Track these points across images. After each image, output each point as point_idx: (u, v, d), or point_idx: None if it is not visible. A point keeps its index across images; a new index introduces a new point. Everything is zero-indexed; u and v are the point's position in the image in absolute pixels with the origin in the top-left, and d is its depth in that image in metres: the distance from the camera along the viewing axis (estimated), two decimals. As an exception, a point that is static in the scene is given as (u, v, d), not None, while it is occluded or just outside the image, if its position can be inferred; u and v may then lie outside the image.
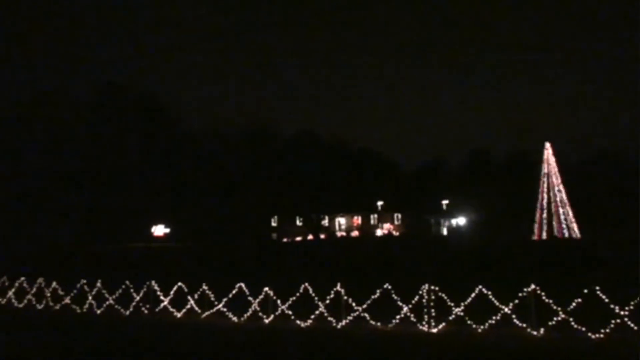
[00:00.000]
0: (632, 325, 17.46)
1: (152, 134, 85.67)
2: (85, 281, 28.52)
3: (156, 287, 26.38)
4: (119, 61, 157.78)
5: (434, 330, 19.97)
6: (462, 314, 19.79)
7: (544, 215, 67.04)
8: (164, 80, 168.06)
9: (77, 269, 36.61)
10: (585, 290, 18.15)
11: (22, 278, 30.85)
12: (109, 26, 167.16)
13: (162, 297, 26.06)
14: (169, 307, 25.68)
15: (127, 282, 27.21)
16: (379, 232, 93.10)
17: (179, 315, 25.20)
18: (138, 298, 26.65)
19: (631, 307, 17.62)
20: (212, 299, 24.67)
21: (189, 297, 25.16)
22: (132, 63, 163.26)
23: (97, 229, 75.36)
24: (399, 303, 20.73)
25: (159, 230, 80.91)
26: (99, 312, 27.37)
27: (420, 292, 20.45)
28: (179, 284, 25.59)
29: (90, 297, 28.02)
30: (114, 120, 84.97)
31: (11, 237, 67.74)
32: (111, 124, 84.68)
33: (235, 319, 23.72)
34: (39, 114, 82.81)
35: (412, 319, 20.42)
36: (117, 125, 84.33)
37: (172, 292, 25.79)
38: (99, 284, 28.02)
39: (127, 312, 26.52)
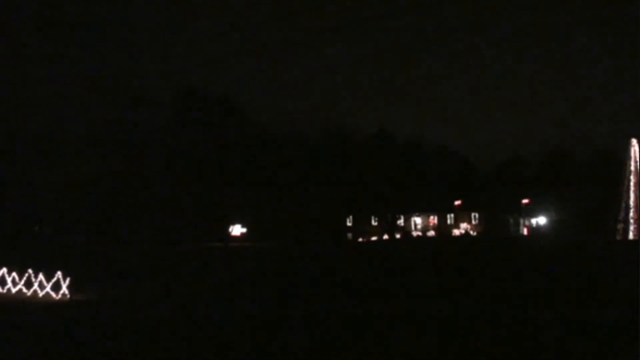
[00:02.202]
0: None
1: (230, 135, 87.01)
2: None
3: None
4: (193, 65, 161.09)
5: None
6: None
7: (631, 214, 64.39)
8: (238, 84, 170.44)
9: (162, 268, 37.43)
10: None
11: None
12: (183, 29, 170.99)
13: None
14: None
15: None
16: (455, 232, 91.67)
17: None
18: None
19: None
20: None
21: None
22: (207, 67, 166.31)
23: (178, 229, 77.20)
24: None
25: (237, 230, 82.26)
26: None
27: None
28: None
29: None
30: (194, 123, 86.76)
31: (96, 241, 70.28)
32: (191, 126, 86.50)
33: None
34: (123, 118, 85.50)
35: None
36: (197, 128, 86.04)
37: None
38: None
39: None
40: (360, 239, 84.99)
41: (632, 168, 65.39)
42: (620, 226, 65.62)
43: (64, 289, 31.18)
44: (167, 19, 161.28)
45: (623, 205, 65.50)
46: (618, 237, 65.73)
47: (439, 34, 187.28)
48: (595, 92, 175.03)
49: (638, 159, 65.85)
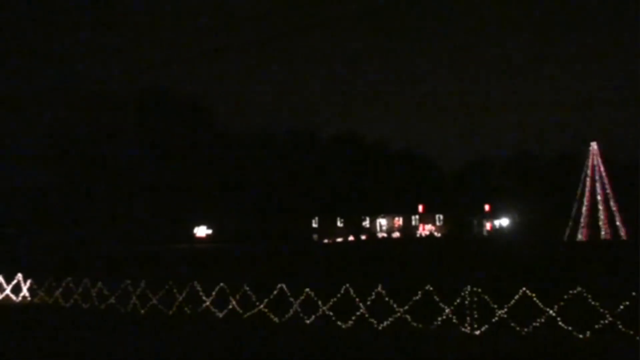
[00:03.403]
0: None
1: (194, 135, 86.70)
2: (129, 281, 28.97)
3: (198, 288, 26.64)
4: (158, 64, 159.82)
5: (477, 333, 19.74)
6: (505, 316, 19.51)
7: (596, 215, 65.74)
8: (203, 83, 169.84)
9: (122, 269, 37.21)
10: (634, 293, 17.74)
11: (69, 278, 31.47)
12: (148, 29, 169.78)
13: (204, 298, 26.31)
14: (211, 307, 25.91)
15: (170, 283, 27.55)
16: (420, 233, 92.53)
17: (220, 315, 25.41)
18: (180, 298, 26.95)
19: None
20: (254, 299, 24.79)
21: (231, 298, 25.34)
22: (173, 67, 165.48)
23: (141, 230, 76.63)
24: (441, 305, 20.55)
25: (202, 231, 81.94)
26: (142, 312, 27.77)
27: (463, 293, 20.23)
28: (221, 284, 25.80)
29: (134, 297, 28.44)
30: (157, 122, 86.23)
31: (59, 241, 69.40)
32: (155, 126, 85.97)
33: (276, 319, 23.81)
34: (83, 117, 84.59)
35: (455, 320, 20.23)
36: (161, 127, 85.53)
37: (214, 293, 26.01)
38: (142, 284, 28.43)
39: (170, 312, 26.86)
40: (325, 240, 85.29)
41: (589, 171, 66.77)
42: (570, 227, 67.05)
43: (25, 291, 30.87)
44: (134, 18, 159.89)
45: (575, 207, 66.94)
46: (577, 239, 67.08)
47: (406, 37, 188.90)
48: (559, 95, 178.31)
49: (598, 162, 67.22)
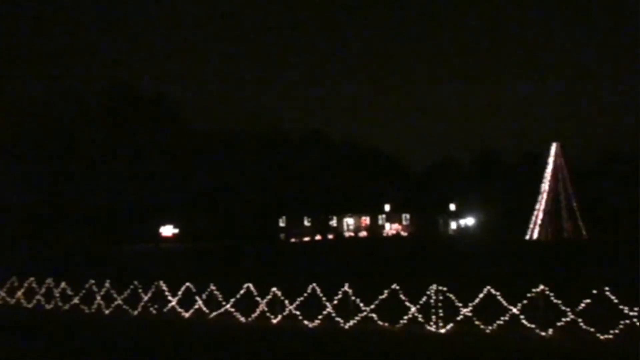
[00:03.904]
0: (641, 325, 17.36)
1: (161, 134, 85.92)
2: (93, 281, 28.59)
3: (164, 287, 26.42)
4: (125, 61, 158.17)
5: (442, 331, 19.92)
6: (470, 314, 19.73)
7: (554, 215, 66.79)
8: (170, 81, 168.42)
9: (86, 270, 36.71)
10: (595, 291, 18.06)
11: (32, 278, 30.93)
12: (114, 26, 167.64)
13: (170, 297, 26.10)
14: (177, 307, 25.71)
15: (136, 283, 27.26)
16: (387, 233, 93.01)
17: (187, 315, 25.24)
18: (146, 298, 26.71)
19: (641, 308, 17.49)
20: (220, 299, 24.68)
21: (197, 297, 25.19)
22: (140, 64, 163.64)
23: (106, 229, 75.68)
24: (407, 303, 20.70)
25: (168, 230, 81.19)
26: (107, 312, 27.45)
27: (428, 292, 20.40)
28: (187, 284, 25.62)
29: (98, 297, 28.09)
30: (122, 119, 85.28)
31: (21, 240, 68.14)
32: (119, 123, 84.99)
33: (242, 319, 23.74)
34: (47, 114, 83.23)
35: (420, 319, 20.39)
36: (126, 125, 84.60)
37: (180, 292, 25.82)
38: (107, 284, 28.09)
39: (135, 312, 26.59)
40: (292, 240, 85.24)
41: (552, 171, 67.80)
42: (541, 227, 68.07)
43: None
44: (101, 15, 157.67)
45: (540, 206, 67.98)
46: (540, 237, 68.05)
47: (374, 37, 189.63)
48: (525, 96, 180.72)
49: (560, 162, 68.29)
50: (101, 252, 54.02)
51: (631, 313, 17.53)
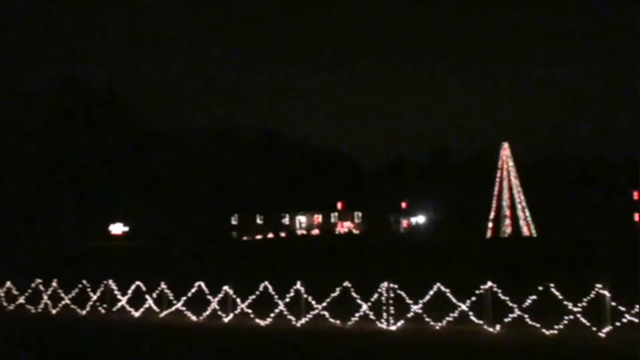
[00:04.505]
0: (584, 321, 17.84)
1: (112, 130, 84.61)
2: (40, 280, 27.95)
3: (113, 286, 26.01)
4: (79, 58, 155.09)
5: (393, 328, 20.12)
6: (420, 311, 19.98)
7: (502, 213, 68.12)
8: (123, 81, 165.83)
9: (32, 268, 35.84)
10: (540, 288, 18.50)
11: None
12: (68, 21, 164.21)
13: (119, 297, 25.71)
14: (127, 306, 25.36)
15: (84, 282, 26.78)
16: (339, 231, 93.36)
17: (136, 314, 24.91)
18: (95, 297, 26.27)
19: (584, 304, 17.99)
20: (171, 298, 24.44)
21: (147, 296, 24.89)
22: (93, 60, 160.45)
23: (54, 227, 74.07)
24: (358, 301, 20.84)
25: (117, 228, 79.86)
26: (54, 312, 26.90)
27: (380, 290, 20.58)
28: (137, 282, 25.29)
29: (45, 297, 27.49)
30: (73, 115, 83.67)
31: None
32: (70, 119, 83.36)
33: (194, 318, 23.56)
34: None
35: (371, 316, 20.56)
36: (77, 121, 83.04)
37: (129, 291, 25.46)
38: (54, 284, 27.50)
39: (84, 312, 26.13)
40: (245, 238, 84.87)
41: (502, 170, 69.17)
42: (490, 225, 69.28)
43: None
44: (51, 9, 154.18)
45: (493, 205, 69.25)
46: (490, 236, 69.28)
47: (328, 36, 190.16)
48: (476, 96, 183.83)
49: (509, 162, 69.67)
50: (48, 251, 52.78)
51: (575, 309, 18.02)
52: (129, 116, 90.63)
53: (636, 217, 75.58)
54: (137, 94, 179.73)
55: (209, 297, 23.46)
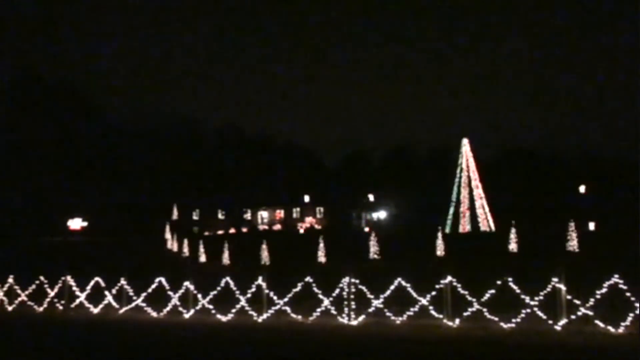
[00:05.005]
0: (541, 314, 18.20)
1: (71, 124, 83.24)
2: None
3: (72, 283, 25.63)
4: (37, 50, 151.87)
5: (354, 323, 20.24)
6: (381, 306, 20.14)
7: (461, 209, 68.87)
8: (84, 72, 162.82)
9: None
10: (498, 282, 18.80)
11: None
12: (28, 15, 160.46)
13: (78, 293, 25.35)
14: (86, 302, 25.01)
15: (41, 278, 26.33)
16: (301, 226, 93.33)
17: (95, 311, 24.60)
18: (52, 294, 25.85)
19: (541, 298, 18.35)
20: (131, 294, 24.19)
21: (107, 292, 24.59)
22: (52, 54, 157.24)
23: (10, 222, 72.59)
24: (320, 296, 20.92)
25: (76, 223, 78.60)
26: (10, 308, 26.39)
27: (341, 285, 20.68)
28: (96, 278, 24.96)
29: (1, 294, 26.96)
30: (31, 109, 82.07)
31: None
32: (28, 113, 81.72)
33: (154, 314, 23.36)
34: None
35: (333, 311, 20.65)
36: (35, 115, 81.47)
37: (88, 288, 25.12)
38: (10, 280, 26.98)
39: (41, 309, 25.70)
40: (206, 233, 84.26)
41: (464, 166, 69.92)
42: (450, 220, 70.03)
43: None
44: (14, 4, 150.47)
45: (453, 200, 70.00)
46: (450, 231, 70.00)
47: (288, 31, 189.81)
48: (437, 91, 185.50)
49: (469, 158, 70.49)
50: (4, 246, 51.74)
51: (532, 302, 18.37)
52: (90, 110, 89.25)
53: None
54: (98, 89, 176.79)
55: (170, 293, 23.29)
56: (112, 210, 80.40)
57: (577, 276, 18.58)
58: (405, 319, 19.75)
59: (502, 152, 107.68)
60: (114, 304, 24.40)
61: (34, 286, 26.36)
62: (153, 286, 23.68)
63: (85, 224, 79.81)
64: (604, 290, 17.73)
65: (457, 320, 19.12)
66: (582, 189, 75.97)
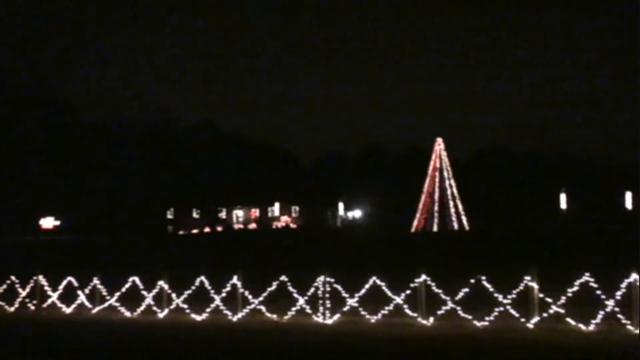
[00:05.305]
0: (514, 312, 18.42)
1: (41, 121, 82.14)
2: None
3: (44, 282, 25.33)
4: (9, 48, 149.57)
5: (329, 322, 20.29)
6: (356, 304, 20.22)
7: (434, 208, 69.26)
8: (58, 69, 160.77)
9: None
10: (472, 280, 18.98)
11: None
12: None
13: (50, 293, 25.06)
14: (58, 302, 24.74)
15: (12, 278, 25.97)
16: (276, 225, 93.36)
17: (68, 311, 24.35)
18: (24, 294, 25.53)
19: (514, 296, 18.57)
20: (104, 293, 23.98)
21: (80, 292, 24.34)
22: (20, 50, 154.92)
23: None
24: (295, 295, 20.93)
25: (48, 222, 77.65)
26: (-19, 309, 26.01)
27: (316, 283, 20.71)
28: (69, 278, 24.70)
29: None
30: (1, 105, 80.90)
31: None
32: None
33: (128, 313, 23.19)
34: None
35: (308, 310, 20.68)
36: (4, 111, 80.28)
37: (61, 287, 24.84)
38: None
39: (12, 309, 25.37)
40: (181, 232, 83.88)
41: (437, 165, 70.29)
42: (423, 219, 70.39)
43: None
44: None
45: (426, 199, 70.35)
46: (422, 229, 70.36)
47: (263, 28, 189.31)
48: (413, 91, 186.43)
49: (442, 157, 70.89)
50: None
51: (505, 301, 18.58)
52: (60, 107, 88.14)
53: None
54: (69, 85, 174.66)
55: (144, 292, 23.14)
56: (86, 209, 79.56)
57: (549, 274, 18.82)
58: (380, 317, 19.85)
59: (477, 152, 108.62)
60: (87, 303, 24.17)
61: (5, 286, 26.00)
62: (127, 285, 23.50)
63: (57, 222, 78.91)
64: (575, 288, 17.99)
65: (432, 319, 19.27)
66: (561, 193, 76.76)
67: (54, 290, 25.02)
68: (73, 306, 24.41)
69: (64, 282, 24.80)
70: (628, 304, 17.34)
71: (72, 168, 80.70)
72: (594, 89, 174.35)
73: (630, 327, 17.11)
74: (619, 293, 17.43)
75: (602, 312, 17.54)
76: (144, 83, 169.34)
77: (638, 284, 17.20)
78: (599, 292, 17.65)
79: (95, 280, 24.17)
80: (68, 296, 24.65)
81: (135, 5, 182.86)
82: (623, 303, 17.40)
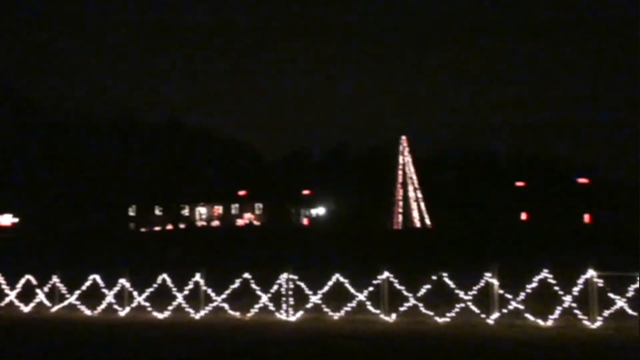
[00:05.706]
0: (474, 309, 18.68)
1: (3, 118, 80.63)
2: None
3: (1, 280, 24.82)
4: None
5: (292, 319, 20.30)
6: (319, 301, 20.27)
7: (397, 206, 69.93)
8: (22, 67, 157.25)
9: None
10: (434, 277, 19.20)
11: None
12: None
13: (7, 291, 24.56)
14: (16, 301, 24.26)
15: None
16: (239, 222, 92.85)
17: (26, 310, 23.91)
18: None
19: (474, 292, 18.84)
20: (64, 291, 23.60)
21: (38, 290, 23.92)
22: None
23: None
24: (258, 292, 20.89)
25: (6, 219, 76.14)
26: None
27: (279, 281, 20.70)
28: (27, 276, 24.24)
29: None
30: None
31: None
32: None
33: (88, 312, 22.87)
34: None
35: (271, 308, 20.66)
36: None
37: (19, 286, 24.37)
38: None
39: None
40: (143, 229, 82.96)
41: (401, 163, 71.00)
42: (387, 217, 71.10)
43: None
44: None
45: (387, 197, 71.08)
46: (388, 227, 71.03)
47: (233, 26, 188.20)
48: (379, 89, 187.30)
49: (407, 155, 71.59)
50: None
51: (466, 297, 18.83)
52: (23, 104, 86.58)
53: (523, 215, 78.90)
54: (32, 82, 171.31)
55: (104, 290, 22.85)
56: (47, 206, 78.21)
57: (509, 270, 19.13)
58: (343, 314, 19.93)
59: (441, 150, 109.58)
60: (46, 302, 23.76)
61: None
62: (87, 284, 23.16)
63: (16, 220, 77.40)
64: (534, 284, 18.32)
65: (394, 315, 19.42)
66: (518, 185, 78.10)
67: (12, 288, 24.52)
68: (32, 305, 23.96)
69: (22, 281, 24.33)
70: (585, 299, 17.75)
71: (32, 166, 79.31)
72: (548, 89, 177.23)
73: (586, 322, 17.49)
74: (576, 289, 17.81)
75: (559, 308, 17.89)
76: (107, 79, 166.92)
77: (594, 280, 17.63)
78: (556, 288, 18.01)
79: (55, 279, 23.77)
80: (26, 295, 24.19)
81: (99, 1, 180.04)
82: (580, 299, 17.80)
